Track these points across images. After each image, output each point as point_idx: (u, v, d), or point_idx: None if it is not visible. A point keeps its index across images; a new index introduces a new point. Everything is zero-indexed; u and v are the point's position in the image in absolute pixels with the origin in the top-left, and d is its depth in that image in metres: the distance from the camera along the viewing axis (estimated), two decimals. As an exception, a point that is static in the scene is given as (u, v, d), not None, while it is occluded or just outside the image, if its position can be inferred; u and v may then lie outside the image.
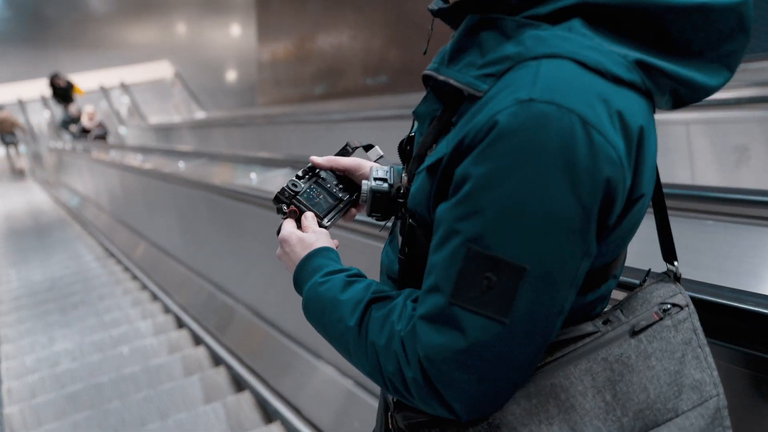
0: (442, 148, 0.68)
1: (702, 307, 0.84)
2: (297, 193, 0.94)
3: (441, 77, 0.70)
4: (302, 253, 0.87)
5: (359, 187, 0.96)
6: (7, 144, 13.55)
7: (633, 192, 0.65)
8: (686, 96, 0.69)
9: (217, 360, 3.39)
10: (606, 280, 0.72)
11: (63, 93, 12.74)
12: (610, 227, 0.65)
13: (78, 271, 5.96)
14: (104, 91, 14.60)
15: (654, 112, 0.69)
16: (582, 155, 0.58)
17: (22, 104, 14.12)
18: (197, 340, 3.77)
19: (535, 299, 0.61)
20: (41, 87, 13.97)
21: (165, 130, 11.98)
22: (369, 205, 0.88)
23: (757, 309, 0.91)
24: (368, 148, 1.02)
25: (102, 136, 11.78)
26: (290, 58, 12.24)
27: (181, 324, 4.08)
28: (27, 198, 11.43)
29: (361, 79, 10.27)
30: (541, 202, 0.60)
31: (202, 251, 4.30)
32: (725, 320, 0.94)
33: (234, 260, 3.74)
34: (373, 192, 0.86)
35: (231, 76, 14.47)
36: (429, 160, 0.71)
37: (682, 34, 0.65)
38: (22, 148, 13.95)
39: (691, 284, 0.98)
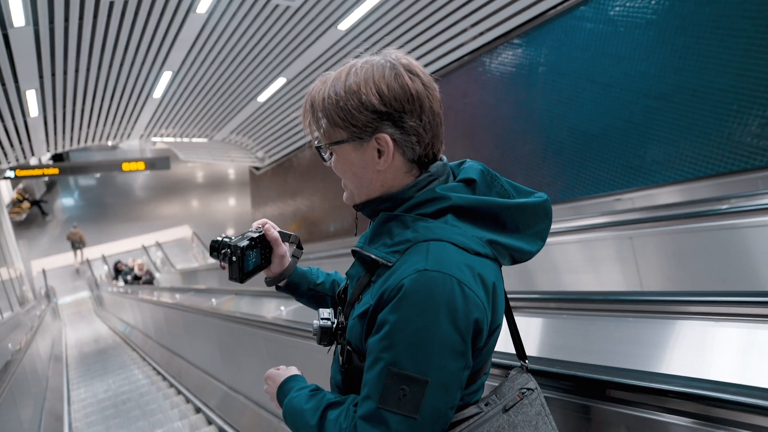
0: (367, 300, 0.97)
1: (553, 376, 1.25)
2: (244, 253, 1.16)
3: (365, 252, 0.98)
4: (279, 380, 1.16)
5: (269, 257, 1.23)
6: (75, 248, 17.62)
7: (492, 324, 0.95)
8: (519, 258, 1.01)
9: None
10: (480, 377, 1.02)
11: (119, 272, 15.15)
12: (480, 348, 0.94)
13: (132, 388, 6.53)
14: (145, 249, 18.85)
15: (501, 270, 0.99)
16: (460, 303, 0.87)
17: (88, 262, 18.40)
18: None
19: (436, 400, 0.88)
20: (102, 250, 18.69)
21: (188, 273, 13.94)
22: (318, 337, 1.10)
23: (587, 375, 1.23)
24: (299, 247, 1.31)
25: (149, 281, 13.57)
26: (276, 215, 15.74)
27: (210, 421, 4.52)
28: (92, 328, 13.18)
29: (327, 226, 13.58)
30: (435, 336, 0.87)
31: (240, 371, 4.25)
32: (568, 382, 1.27)
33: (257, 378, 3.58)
34: (321, 328, 1.09)
35: (237, 231, 18.59)
36: (359, 309, 0.99)
37: (512, 221, 0.99)
38: (87, 293, 17.58)
39: (544, 362, 1.31)
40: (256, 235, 1.23)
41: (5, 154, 11.90)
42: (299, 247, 1.33)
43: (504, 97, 7.70)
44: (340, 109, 1.00)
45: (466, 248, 0.93)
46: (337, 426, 0.96)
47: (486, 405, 1.01)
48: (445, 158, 1.08)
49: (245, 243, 1.18)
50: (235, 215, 20.92)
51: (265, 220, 1.30)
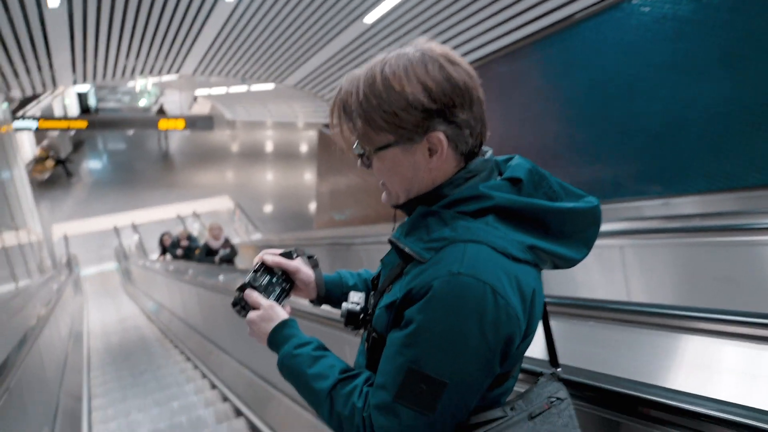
0: (395, 292, 0.97)
1: (582, 386, 1.26)
2: (256, 287, 1.18)
3: (400, 244, 0.97)
4: (268, 327, 1.12)
5: (292, 278, 1.24)
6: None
7: (526, 332, 0.94)
8: (562, 265, 1.00)
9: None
10: (507, 380, 1.01)
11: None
12: (510, 355, 0.93)
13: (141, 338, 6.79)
14: (180, 219, 17.10)
15: (540, 275, 0.99)
16: (490, 313, 0.86)
17: (117, 230, 16.71)
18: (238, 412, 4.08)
19: (452, 402, 0.89)
20: (132, 217, 16.86)
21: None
22: (345, 320, 1.13)
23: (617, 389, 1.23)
24: (310, 257, 1.29)
25: (229, 259, 8.21)
26: (352, 187, 13.51)
27: (225, 398, 4.46)
28: (120, 311, 11.37)
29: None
30: (460, 342, 0.87)
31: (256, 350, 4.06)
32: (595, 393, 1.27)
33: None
34: (349, 312, 1.12)
35: (278, 206, 16.96)
36: (387, 299, 0.99)
37: (558, 226, 0.96)
38: (113, 265, 15.85)
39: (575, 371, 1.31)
40: (257, 266, 1.21)
41: (16, 74, 9.41)
42: (309, 257, 1.28)
43: (549, 91, 7.17)
44: (384, 112, 0.94)
45: (505, 253, 0.90)
46: (349, 404, 0.96)
47: (511, 409, 0.98)
48: (489, 152, 1.04)
49: (245, 282, 1.19)
50: (279, 188, 19.36)
51: (260, 254, 1.23)
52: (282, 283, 1.23)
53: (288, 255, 1.24)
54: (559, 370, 1.14)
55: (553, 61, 7.08)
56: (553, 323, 1.15)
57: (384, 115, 0.94)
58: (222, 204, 18.50)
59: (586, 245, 1.00)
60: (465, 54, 8.05)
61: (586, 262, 1.03)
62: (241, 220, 17.44)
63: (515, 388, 1.06)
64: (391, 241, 1.00)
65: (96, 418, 4.48)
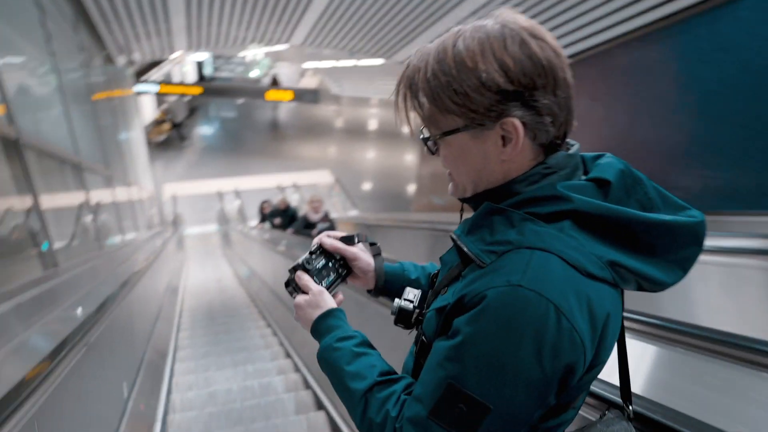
0: (448, 297, 0.86)
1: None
2: (309, 270, 1.11)
3: (459, 243, 0.87)
4: (313, 314, 1.05)
5: (349, 265, 1.18)
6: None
7: (593, 362, 0.80)
8: (648, 288, 0.84)
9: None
10: (565, 411, 0.86)
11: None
12: (570, 387, 0.79)
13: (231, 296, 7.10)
14: (280, 189, 17.28)
15: (622, 296, 0.86)
16: (551, 336, 0.73)
17: (220, 195, 17.34)
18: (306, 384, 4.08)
19: (493, 431, 0.77)
20: (235, 183, 17.42)
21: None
22: (396, 317, 1.03)
23: None
24: (372, 244, 1.20)
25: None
26: (443, 175, 13.60)
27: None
28: (217, 272, 11.70)
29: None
30: (510, 365, 0.75)
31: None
32: None
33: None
34: (400, 308, 1.03)
35: (377, 185, 16.91)
36: (437, 303, 0.89)
37: (649, 241, 0.81)
38: (215, 227, 16.54)
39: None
40: (314, 248, 1.16)
41: (137, 38, 9.76)
42: (372, 243, 1.20)
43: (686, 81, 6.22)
44: (454, 91, 0.82)
45: (578, 267, 0.76)
46: (383, 411, 0.87)
47: None
48: (576, 146, 0.88)
49: (298, 263, 1.13)
50: (379, 167, 19.26)
51: (320, 236, 1.18)
52: (338, 268, 1.17)
53: (349, 240, 1.18)
54: (631, 408, 0.99)
55: (694, 46, 6.22)
56: (633, 345, 0.97)
57: (453, 96, 0.83)
58: (322, 178, 18.66)
59: (682, 268, 0.84)
60: (581, 40, 7.30)
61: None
62: (340, 195, 17.51)
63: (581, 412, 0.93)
64: (452, 238, 0.91)
65: (177, 370, 4.69)
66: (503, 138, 0.83)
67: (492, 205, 0.86)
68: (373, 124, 23.16)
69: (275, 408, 3.70)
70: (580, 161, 0.88)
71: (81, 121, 6.09)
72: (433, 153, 0.92)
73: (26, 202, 3.22)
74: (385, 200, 17.67)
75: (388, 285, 1.17)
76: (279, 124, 22.91)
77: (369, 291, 1.19)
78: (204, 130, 22.53)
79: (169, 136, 20.57)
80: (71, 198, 4.76)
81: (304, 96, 16.40)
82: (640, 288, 0.84)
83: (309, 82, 23.69)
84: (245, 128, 21.95)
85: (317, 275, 1.12)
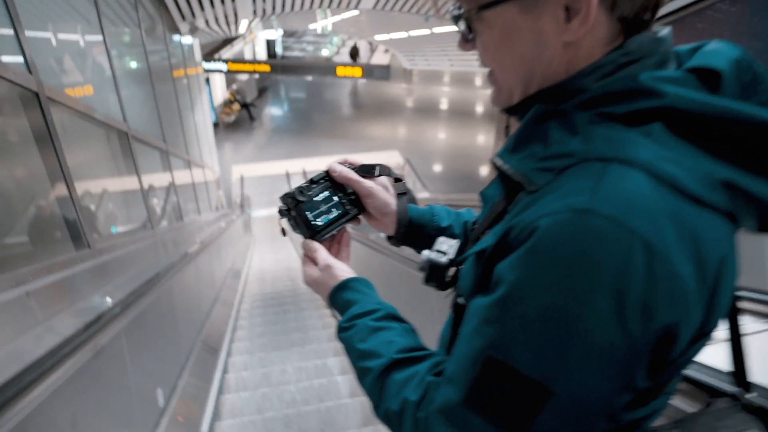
0: (489, 239, 0.62)
1: None
2: (302, 201, 0.91)
3: (500, 163, 0.63)
4: (325, 291, 0.88)
5: (362, 203, 0.96)
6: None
7: (703, 326, 0.55)
8: None
9: None
10: (657, 397, 0.61)
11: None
12: (669, 362, 0.55)
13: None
14: None
15: (735, 236, 0.56)
16: (638, 283, 0.49)
17: (288, 176, 17.06)
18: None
19: (557, 423, 0.53)
20: (303, 164, 17.09)
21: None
22: (426, 273, 0.80)
23: None
24: (397, 180, 0.97)
25: None
26: None
27: None
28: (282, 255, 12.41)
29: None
30: (580, 327, 0.50)
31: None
32: None
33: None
34: (430, 262, 0.79)
35: (448, 166, 16.24)
36: (476, 247, 0.64)
37: None
38: None
39: None
40: (317, 176, 0.95)
41: (201, 5, 9.30)
42: (397, 180, 0.96)
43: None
44: None
45: (677, 186, 0.51)
46: (400, 396, 0.68)
47: None
48: (666, 30, 0.61)
49: (289, 192, 0.94)
50: (451, 148, 18.50)
51: (332, 162, 0.96)
52: (345, 205, 0.95)
53: (367, 170, 0.96)
54: (749, 395, 0.70)
55: None
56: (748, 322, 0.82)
57: None
58: (391, 158, 18.02)
59: None
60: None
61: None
62: (409, 176, 16.76)
63: (671, 402, 0.65)
64: (492, 163, 0.65)
65: (234, 349, 4.72)
66: (567, 9, 0.57)
67: (544, 107, 0.61)
68: (444, 104, 22.45)
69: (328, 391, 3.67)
70: (673, 54, 0.60)
71: (141, 99, 5.84)
72: (467, 41, 0.67)
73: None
74: (456, 182, 16.91)
75: (413, 232, 0.96)
76: (348, 105, 22.53)
77: (389, 238, 0.98)
78: (273, 110, 22.40)
79: (239, 116, 20.58)
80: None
81: (374, 72, 15.78)
82: (762, 227, 0.56)
83: (380, 59, 23.16)
84: (314, 108, 21.71)
85: (311, 210, 0.92)
